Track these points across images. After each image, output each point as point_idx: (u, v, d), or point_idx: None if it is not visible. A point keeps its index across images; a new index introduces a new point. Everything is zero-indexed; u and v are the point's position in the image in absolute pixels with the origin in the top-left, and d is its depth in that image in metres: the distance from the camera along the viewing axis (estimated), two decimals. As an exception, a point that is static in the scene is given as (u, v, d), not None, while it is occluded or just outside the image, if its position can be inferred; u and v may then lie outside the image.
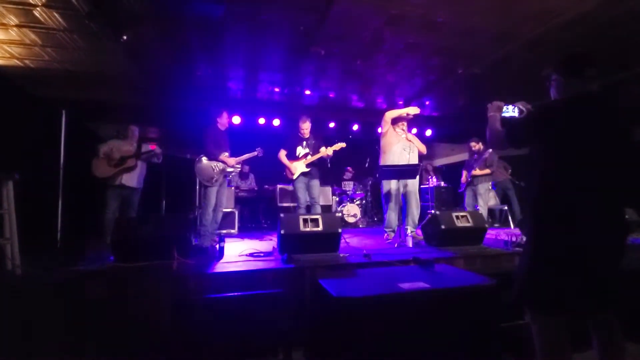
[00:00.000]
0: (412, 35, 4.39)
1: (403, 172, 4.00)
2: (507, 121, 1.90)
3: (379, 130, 4.47)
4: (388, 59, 5.10)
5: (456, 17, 3.92)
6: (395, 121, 4.43)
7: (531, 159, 1.69)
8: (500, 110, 1.96)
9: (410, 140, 4.41)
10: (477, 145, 5.78)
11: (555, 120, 1.59)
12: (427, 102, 7.20)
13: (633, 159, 1.55)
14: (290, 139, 4.82)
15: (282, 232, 3.17)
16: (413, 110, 4.37)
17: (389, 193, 4.32)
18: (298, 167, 4.61)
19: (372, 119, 7.74)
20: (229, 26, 4.09)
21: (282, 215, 3.30)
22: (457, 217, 3.72)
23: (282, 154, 4.72)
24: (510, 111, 1.97)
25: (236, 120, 6.73)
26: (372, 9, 3.80)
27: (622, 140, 1.56)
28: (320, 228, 3.24)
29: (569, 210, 1.53)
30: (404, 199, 4.38)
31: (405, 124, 4.48)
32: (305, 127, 4.74)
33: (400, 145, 4.34)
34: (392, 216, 4.34)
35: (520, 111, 1.95)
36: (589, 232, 1.51)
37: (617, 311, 1.60)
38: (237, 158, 4.40)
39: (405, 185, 4.33)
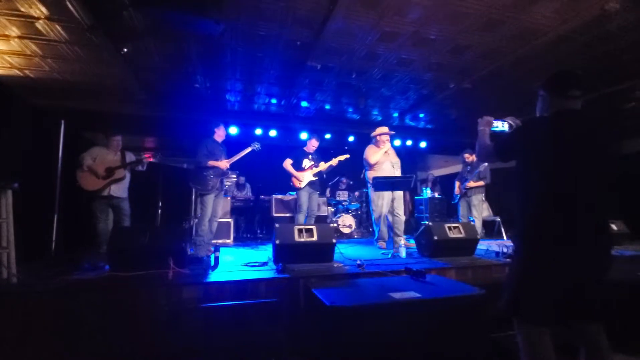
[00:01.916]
0: (405, 51, 4.52)
1: (397, 183, 4.08)
2: (497, 135, 1.99)
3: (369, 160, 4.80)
4: (382, 73, 5.24)
5: (447, 35, 4.06)
6: (378, 141, 4.78)
7: (517, 172, 1.77)
8: (490, 125, 2.06)
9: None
10: (470, 157, 5.89)
11: (540, 135, 1.67)
12: (421, 115, 7.34)
13: (612, 173, 1.63)
14: (296, 152, 5.19)
15: (277, 242, 3.21)
16: (387, 147, 4.74)
17: (377, 206, 4.59)
18: (305, 177, 4.98)
19: (368, 130, 7.85)
20: (227, 41, 4.20)
21: (277, 225, 3.34)
22: (450, 228, 3.78)
23: (288, 163, 5.05)
24: (500, 126, 2.07)
25: (233, 130, 6.82)
26: (366, 26, 3.93)
27: (602, 154, 1.64)
28: (315, 238, 3.29)
29: (553, 222, 1.60)
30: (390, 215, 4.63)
31: (388, 138, 4.78)
32: (315, 144, 5.19)
33: (389, 163, 4.66)
34: (383, 229, 4.61)
35: (510, 126, 2.05)
36: (573, 244, 1.57)
37: (603, 322, 1.65)
38: (231, 159, 4.43)
39: (392, 200, 4.55)
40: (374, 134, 4.86)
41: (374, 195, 4.63)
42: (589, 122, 1.66)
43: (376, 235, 4.85)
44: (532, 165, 1.70)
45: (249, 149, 4.60)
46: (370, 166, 4.71)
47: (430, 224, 3.85)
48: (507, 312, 1.67)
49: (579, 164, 1.61)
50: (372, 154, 4.71)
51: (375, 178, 4.28)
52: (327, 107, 6.79)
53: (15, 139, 3.97)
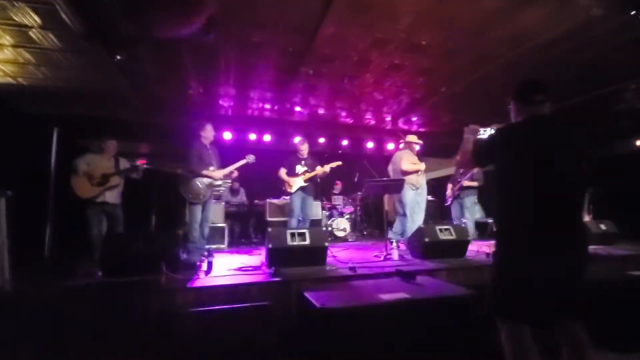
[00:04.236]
0: (397, 57, 4.59)
1: (388, 187, 4.13)
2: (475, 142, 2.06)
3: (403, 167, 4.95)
4: (375, 78, 5.30)
5: (437, 40, 4.14)
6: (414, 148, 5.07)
7: (494, 176, 1.83)
8: (475, 133, 2.11)
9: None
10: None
11: (512, 140, 1.76)
12: (414, 118, 7.41)
13: (582, 174, 1.70)
14: (290, 158, 5.20)
15: (270, 245, 3.24)
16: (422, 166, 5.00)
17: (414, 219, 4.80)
18: (297, 182, 5.01)
19: (361, 134, 7.94)
20: (220, 48, 4.25)
21: (269, 229, 3.38)
22: (441, 230, 3.83)
23: (282, 172, 5.12)
24: (487, 134, 2.12)
25: (227, 136, 6.84)
26: (358, 32, 3.99)
27: (574, 155, 1.71)
28: (307, 242, 3.32)
29: (528, 222, 1.66)
30: None
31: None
32: (304, 148, 5.18)
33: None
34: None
35: None
36: (549, 242, 1.63)
37: (583, 321, 1.70)
38: (224, 170, 4.36)
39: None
40: (409, 140, 5.08)
41: (419, 206, 4.80)
42: (559, 125, 1.73)
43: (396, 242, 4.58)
44: (507, 169, 1.77)
45: (243, 162, 4.51)
46: (404, 172, 4.81)
47: (422, 226, 3.89)
48: (490, 311, 1.73)
49: (551, 165, 1.67)
50: (405, 160, 4.87)
51: (367, 181, 4.32)
52: (321, 111, 6.85)
53: (9, 147, 3.97)
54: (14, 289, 2.63)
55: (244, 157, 4.61)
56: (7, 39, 3.79)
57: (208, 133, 4.37)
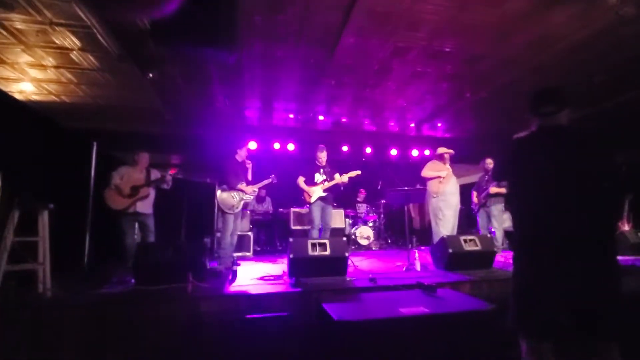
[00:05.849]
0: (419, 64, 4.57)
1: (410, 195, 4.11)
2: None
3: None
4: (397, 86, 5.28)
5: (460, 46, 4.09)
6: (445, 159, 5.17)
7: (510, 189, 1.80)
8: None
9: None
10: (492, 164, 5.75)
11: (520, 154, 1.73)
12: (439, 124, 7.30)
13: (609, 182, 1.60)
14: (308, 167, 5.15)
15: (291, 256, 3.29)
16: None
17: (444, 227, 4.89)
18: (316, 192, 4.91)
19: (385, 141, 7.90)
20: (246, 64, 4.42)
21: (291, 239, 3.43)
22: (465, 240, 3.74)
23: (301, 180, 5.03)
24: None
25: (253, 145, 7.00)
26: (378, 42, 4.02)
27: (594, 165, 1.61)
28: (328, 252, 3.34)
29: (541, 237, 1.61)
30: None
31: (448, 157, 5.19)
32: (322, 156, 5.09)
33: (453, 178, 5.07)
34: None
35: None
36: (566, 257, 1.55)
37: (616, 340, 1.59)
38: (253, 186, 4.69)
39: None
40: (438, 152, 5.22)
41: (442, 212, 4.81)
42: (576, 135, 1.67)
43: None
44: (519, 182, 1.74)
45: (267, 181, 4.87)
46: (423, 179, 4.97)
47: (444, 236, 3.82)
48: (511, 326, 1.68)
49: (566, 176, 1.60)
50: (426, 168, 5.07)
51: (389, 190, 4.31)
52: (344, 120, 6.89)
53: (53, 161, 4.26)
54: (54, 295, 2.84)
55: (268, 167, 4.92)
56: (50, 60, 4.13)
57: (242, 153, 4.78)
